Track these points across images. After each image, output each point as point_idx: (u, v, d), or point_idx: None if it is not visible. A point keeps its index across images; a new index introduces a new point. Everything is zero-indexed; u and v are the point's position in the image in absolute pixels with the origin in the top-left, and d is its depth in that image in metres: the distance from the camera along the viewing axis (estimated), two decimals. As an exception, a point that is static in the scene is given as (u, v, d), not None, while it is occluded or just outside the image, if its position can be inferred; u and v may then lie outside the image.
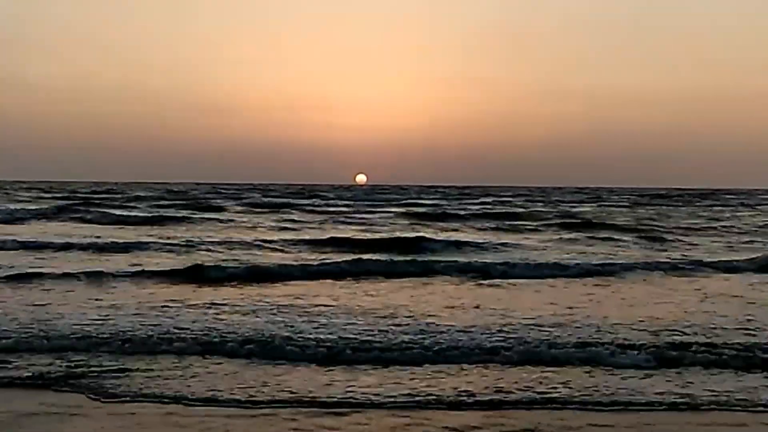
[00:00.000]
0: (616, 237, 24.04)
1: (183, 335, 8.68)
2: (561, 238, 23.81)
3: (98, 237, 21.69)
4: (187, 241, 20.43)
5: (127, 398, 6.55)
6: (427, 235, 22.31)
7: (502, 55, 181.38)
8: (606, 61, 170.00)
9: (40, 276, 13.43)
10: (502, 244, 21.15)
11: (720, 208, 49.09)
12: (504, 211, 40.16)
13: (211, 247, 19.12)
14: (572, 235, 24.64)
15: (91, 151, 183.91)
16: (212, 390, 6.76)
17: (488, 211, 40.12)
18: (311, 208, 41.70)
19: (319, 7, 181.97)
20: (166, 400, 6.53)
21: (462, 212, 37.82)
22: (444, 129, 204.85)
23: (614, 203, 56.44)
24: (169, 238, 21.73)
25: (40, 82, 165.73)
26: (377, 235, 23.57)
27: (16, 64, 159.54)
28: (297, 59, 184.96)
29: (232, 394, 6.65)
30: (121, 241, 20.17)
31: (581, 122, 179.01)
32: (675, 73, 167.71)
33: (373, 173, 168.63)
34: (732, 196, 78.07)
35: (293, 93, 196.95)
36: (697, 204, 55.59)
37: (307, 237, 22.80)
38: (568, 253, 18.90)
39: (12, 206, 36.38)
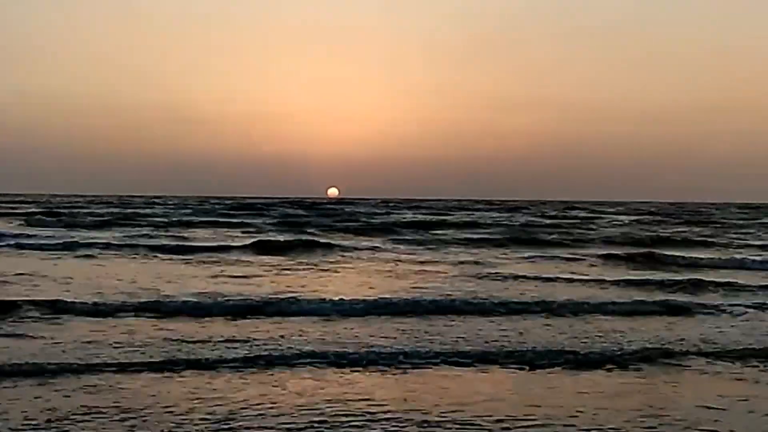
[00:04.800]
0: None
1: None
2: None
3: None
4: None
5: None
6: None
7: (477, 65, 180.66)
8: (581, 73, 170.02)
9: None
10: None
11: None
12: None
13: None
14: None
15: (66, 164, 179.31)
16: None
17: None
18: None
19: (293, 20, 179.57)
20: None
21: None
22: (417, 141, 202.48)
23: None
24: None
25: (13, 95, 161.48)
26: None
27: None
28: (266, 71, 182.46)
29: None
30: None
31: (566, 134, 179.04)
32: (652, 85, 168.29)
33: (345, 187, 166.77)
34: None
35: (259, 102, 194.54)
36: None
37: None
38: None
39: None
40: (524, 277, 18.10)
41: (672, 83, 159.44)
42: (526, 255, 24.75)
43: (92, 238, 27.30)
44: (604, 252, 26.02)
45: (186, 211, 54.90)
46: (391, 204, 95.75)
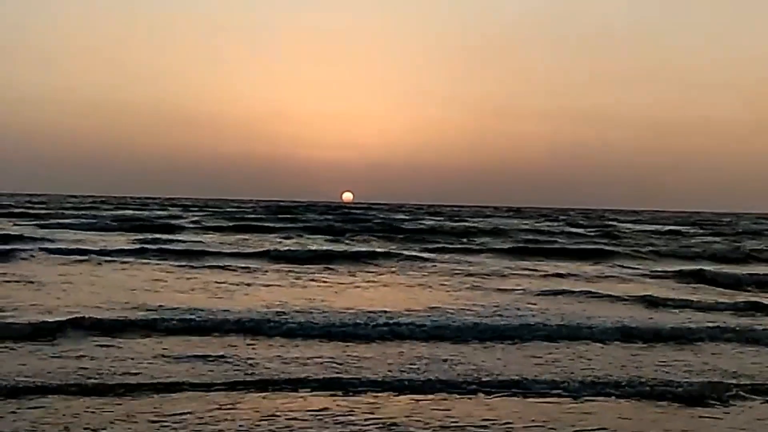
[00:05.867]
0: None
1: None
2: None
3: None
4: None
5: None
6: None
7: (486, 71, 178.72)
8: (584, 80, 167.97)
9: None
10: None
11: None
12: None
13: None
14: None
15: (64, 164, 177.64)
16: None
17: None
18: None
19: (303, 21, 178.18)
20: None
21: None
22: (427, 147, 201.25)
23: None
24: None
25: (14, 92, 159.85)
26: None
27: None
28: (278, 74, 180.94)
29: None
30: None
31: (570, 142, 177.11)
32: (643, 93, 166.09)
33: (359, 191, 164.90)
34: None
35: (273, 108, 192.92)
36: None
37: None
38: None
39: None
40: (620, 298, 15.54)
41: (680, 93, 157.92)
42: (599, 269, 22.28)
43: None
44: (683, 267, 23.30)
45: (216, 216, 53.02)
46: (405, 209, 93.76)
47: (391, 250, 26.03)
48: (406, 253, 25.23)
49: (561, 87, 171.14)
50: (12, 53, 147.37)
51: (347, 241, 31.59)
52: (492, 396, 7.71)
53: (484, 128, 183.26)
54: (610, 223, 62.39)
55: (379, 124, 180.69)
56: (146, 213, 54.65)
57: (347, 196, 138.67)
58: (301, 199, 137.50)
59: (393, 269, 20.51)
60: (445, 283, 17.44)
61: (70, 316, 10.73)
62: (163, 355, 8.96)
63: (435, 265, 21.75)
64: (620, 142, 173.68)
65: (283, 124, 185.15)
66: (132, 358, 8.77)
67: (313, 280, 17.25)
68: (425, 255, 25.09)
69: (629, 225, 59.64)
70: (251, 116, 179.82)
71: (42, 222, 38.47)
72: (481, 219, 62.65)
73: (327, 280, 17.37)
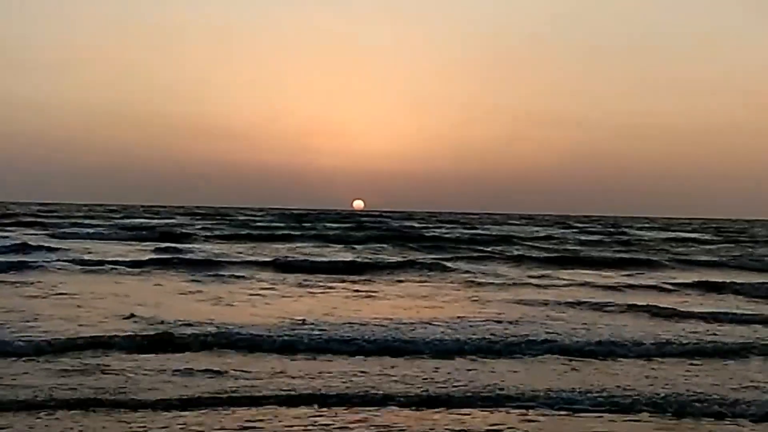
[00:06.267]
0: None
1: None
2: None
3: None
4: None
5: None
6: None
7: (500, 80, 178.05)
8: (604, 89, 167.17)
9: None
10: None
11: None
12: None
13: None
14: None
15: (82, 173, 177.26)
16: None
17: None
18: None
19: (315, 32, 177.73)
20: None
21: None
22: (438, 155, 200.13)
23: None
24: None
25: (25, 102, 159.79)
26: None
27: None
28: (290, 83, 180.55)
29: None
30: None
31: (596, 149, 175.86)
32: (669, 101, 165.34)
33: (370, 199, 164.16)
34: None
35: (284, 116, 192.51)
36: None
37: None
38: None
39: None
40: (713, 317, 13.85)
41: (694, 101, 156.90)
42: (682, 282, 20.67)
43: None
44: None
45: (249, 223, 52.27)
46: (418, 217, 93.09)
47: (422, 259, 25.22)
48: (449, 264, 24.19)
49: (577, 95, 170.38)
50: (26, 62, 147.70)
51: (370, 250, 30.98)
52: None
53: (498, 137, 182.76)
54: (630, 231, 61.53)
55: (390, 132, 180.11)
56: (158, 221, 54.19)
57: (358, 204, 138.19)
58: (312, 207, 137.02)
59: (435, 278, 19.81)
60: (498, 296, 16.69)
61: (105, 332, 10.14)
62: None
63: (479, 277, 21.03)
64: (630, 150, 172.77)
65: (291, 133, 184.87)
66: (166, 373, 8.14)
67: (354, 291, 16.62)
68: (468, 266, 24.34)
69: (650, 232, 58.89)
70: (258, 124, 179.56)
71: (55, 231, 37.99)
72: (504, 225, 61.95)
73: (367, 291, 16.69)
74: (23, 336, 9.77)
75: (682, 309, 14.59)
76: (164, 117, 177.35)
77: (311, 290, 16.45)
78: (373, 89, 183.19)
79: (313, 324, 11.31)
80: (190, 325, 11.00)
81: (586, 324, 12.36)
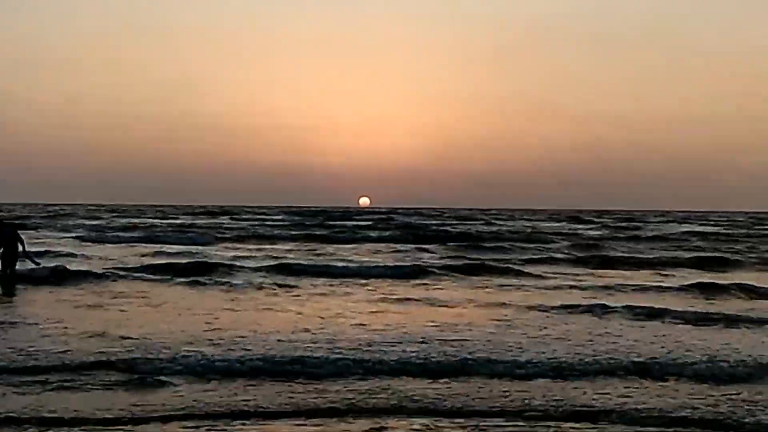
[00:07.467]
0: None
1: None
2: None
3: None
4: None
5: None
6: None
7: (506, 73, 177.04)
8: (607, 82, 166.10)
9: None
10: None
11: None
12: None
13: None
14: None
15: (77, 172, 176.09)
16: None
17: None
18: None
19: (320, 28, 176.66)
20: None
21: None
22: (446, 150, 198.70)
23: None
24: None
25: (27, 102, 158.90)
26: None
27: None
28: (295, 80, 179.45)
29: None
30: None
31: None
32: (670, 94, 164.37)
33: (376, 196, 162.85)
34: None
35: (289, 114, 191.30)
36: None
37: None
38: None
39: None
40: None
41: (703, 92, 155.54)
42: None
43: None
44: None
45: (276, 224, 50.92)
46: (425, 214, 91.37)
47: (500, 264, 23.19)
48: (516, 267, 22.45)
49: (586, 87, 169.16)
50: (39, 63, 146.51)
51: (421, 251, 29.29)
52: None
53: (507, 130, 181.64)
54: (660, 226, 59.85)
55: (395, 129, 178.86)
56: (184, 221, 52.59)
57: (364, 201, 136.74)
58: (317, 204, 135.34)
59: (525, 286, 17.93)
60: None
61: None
62: None
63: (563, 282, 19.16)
64: (641, 143, 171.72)
65: (295, 131, 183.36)
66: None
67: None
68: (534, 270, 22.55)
69: (682, 227, 57.29)
70: (262, 124, 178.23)
71: (78, 234, 36.36)
72: (519, 221, 60.36)
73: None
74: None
75: None
76: (176, 118, 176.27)
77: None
78: (376, 87, 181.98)
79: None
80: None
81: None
